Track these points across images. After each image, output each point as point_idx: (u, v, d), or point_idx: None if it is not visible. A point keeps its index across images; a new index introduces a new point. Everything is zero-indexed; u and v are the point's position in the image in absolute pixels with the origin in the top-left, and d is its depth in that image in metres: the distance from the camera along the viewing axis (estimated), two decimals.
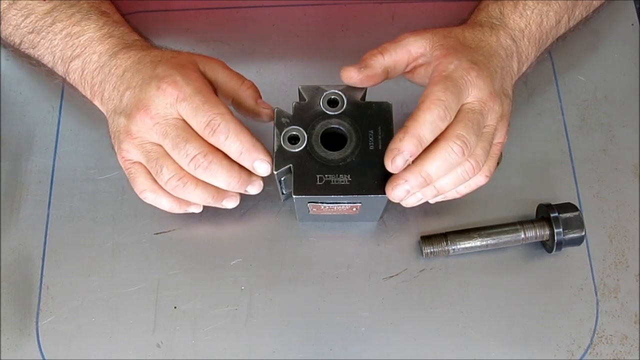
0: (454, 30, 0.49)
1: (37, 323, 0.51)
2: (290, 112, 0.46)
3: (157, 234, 0.53)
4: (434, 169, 0.43)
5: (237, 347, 0.50)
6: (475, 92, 0.45)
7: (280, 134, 0.45)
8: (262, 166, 0.45)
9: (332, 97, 0.47)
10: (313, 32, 0.60)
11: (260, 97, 0.50)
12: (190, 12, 0.60)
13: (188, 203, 0.49)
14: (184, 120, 0.45)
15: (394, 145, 0.43)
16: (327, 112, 0.46)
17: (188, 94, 0.45)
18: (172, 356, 0.50)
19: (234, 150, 0.45)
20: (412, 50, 0.48)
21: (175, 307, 0.51)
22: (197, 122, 0.45)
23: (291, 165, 0.45)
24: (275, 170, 0.45)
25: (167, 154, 0.46)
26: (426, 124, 0.42)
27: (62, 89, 0.57)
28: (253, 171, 0.46)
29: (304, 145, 0.45)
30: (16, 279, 0.52)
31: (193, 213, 0.51)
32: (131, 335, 0.50)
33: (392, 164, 0.43)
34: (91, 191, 0.54)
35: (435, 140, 0.44)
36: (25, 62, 0.56)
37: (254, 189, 0.48)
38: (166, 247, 0.52)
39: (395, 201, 0.45)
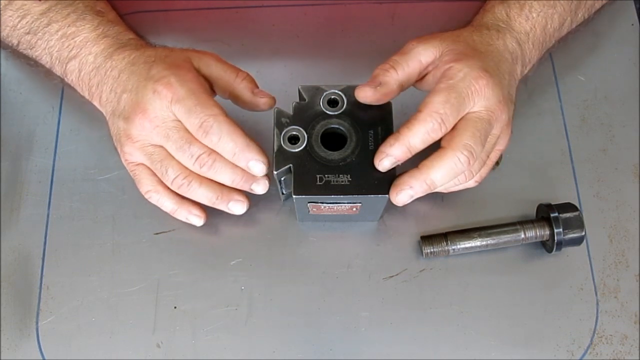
0: (462, 34, 0.49)
1: (37, 323, 0.51)
2: (290, 112, 0.46)
3: (157, 234, 0.53)
4: (439, 177, 0.44)
5: (237, 347, 0.50)
6: (482, 102, 0.45)
7: (280, 134, 0.45)
8: (257, 166, 0.46)
9: (332, 97, 0.47)
10: (313, 32, 0.60)
11: (257, 87, 0.49)
12: (190, 12, 0.60)
13: (189, 208, 0.50)
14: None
15: (383, 148, 0.44)
16: (327, 112, 0.46)
17: (181, 95, 0.45)
18: (172, 356, 0.50)
19: (227, 151, 0.45)
20: (422, 60, 0.47)
21: (175, 307, 0.51)
22: (191, 124, 0.45)
23: (291, 165, 0.45)
24: (275, 170, 0.45)
25: (170, 154, 0.47)
26: (418, 134, 0.43)
27: (62, 89, 0.57)
28: (249, 172, 0.46)
29: (304, 145, 0.45)
30: (16, 279, 0.52)
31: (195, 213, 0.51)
32: (131, 335, 0.50)
33: (380, 164, 0.44)
34: (91, 191, 0.54)
35: (442, 149, 0.44)
36: (25, 61, 0.56)
37: (259, 187, 0.48)
38: (166, 247, 0.52)
39: (399, 205, 0.46)
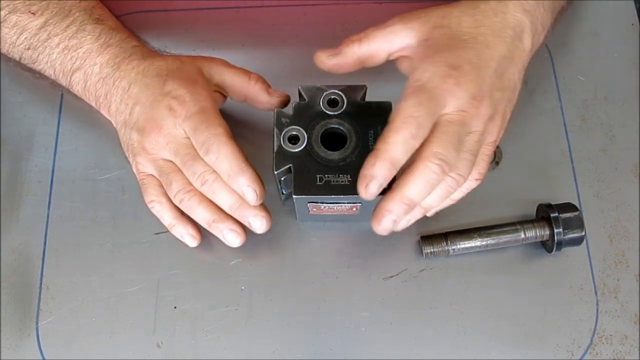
0: (452, 13, 0.45)
1: (37, 323, 0.51)
2: (290, 112, 0.46)
3: (157, 234, 0.53)
4: (415, 193, 0.41)
5: (237, 347, 0.50)
6: (453, 102, 0.41)
7: (280, 134, 0.45)
8: (249, 193, 0.45)
9: (332, 97, 0.47)
10: (313, 32, 0.60)
11: (270, 86, 0.50)
12: (190, 12, 0.60)
13: (187, 227, 0.50)
14: None
15: (365, 171, 0.40)
16: (327, 112, 0.46)
17: (192, 113, 0.46)
18: (172, 356, 0.50)
19: (223, 172, 0.45)
20: (395, 40, 0.45)
21: (175, 307, 0.51)
22: (195, 142, 0.46)
23: (291, 165, 0.45)
24: (275, 170, 0.45)
25: (178, 169, 0.48)
26: (398, 144, 0.39)
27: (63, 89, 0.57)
28: (243, 197, 0.46)
29: (304, 145, 0.45)
30: (16, 279, 0.52)
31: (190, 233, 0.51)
32: (131, 335, 0.50)
33: (367, 191, 0.40)
34: (91, 191, 0.54)
35: (412, 162, 0.41)
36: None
37: (257, 222, 0.47)
38: (166, 247, 0.52)
39: (384, 234, 0.43)
